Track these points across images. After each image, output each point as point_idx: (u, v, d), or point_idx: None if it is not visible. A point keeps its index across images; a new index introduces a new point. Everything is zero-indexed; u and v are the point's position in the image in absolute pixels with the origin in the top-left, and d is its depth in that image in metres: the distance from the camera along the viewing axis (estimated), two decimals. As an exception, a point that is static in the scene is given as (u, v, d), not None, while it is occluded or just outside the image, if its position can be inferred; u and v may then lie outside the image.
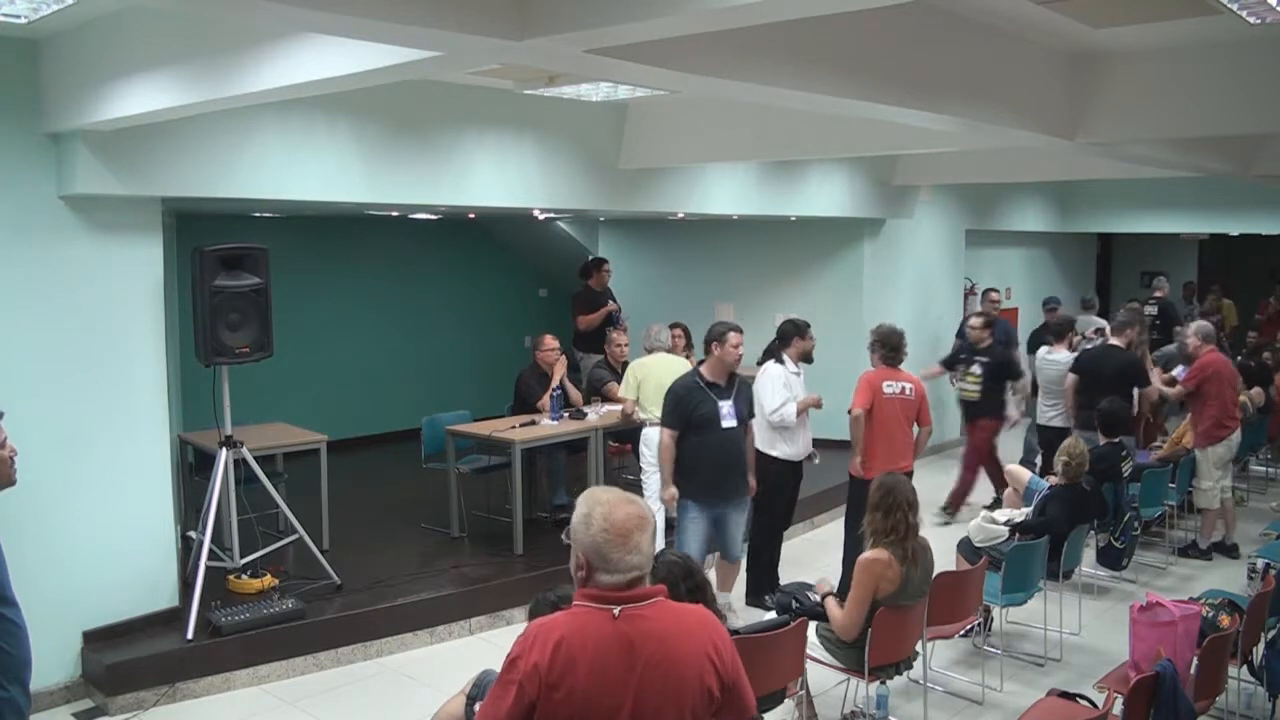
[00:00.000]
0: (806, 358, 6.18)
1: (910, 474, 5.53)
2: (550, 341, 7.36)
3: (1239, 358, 9.66)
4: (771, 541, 6.29)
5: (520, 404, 7.30)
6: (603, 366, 7.70)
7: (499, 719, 2.18)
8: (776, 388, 5.96)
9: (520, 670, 2.17)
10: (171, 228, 6.58)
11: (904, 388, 5.87)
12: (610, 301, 8.98)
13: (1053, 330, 8.50)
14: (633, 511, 2.24)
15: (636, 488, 6.48)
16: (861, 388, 5.86)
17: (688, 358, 7.44)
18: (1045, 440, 8.02)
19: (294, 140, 5.29)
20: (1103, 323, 9.42)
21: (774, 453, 6.04)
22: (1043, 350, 8.25)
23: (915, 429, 6.02)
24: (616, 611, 2.18)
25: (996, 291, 10.05)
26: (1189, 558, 7.25)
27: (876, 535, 4.30)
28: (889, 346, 5.93)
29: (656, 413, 6.40)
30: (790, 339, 6.12)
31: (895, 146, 6.13)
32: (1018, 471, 6.66)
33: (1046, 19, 4.18)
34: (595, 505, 2.24)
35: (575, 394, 7.40)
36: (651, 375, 6.44)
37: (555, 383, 7.18)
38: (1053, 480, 5.95)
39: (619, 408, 6.87)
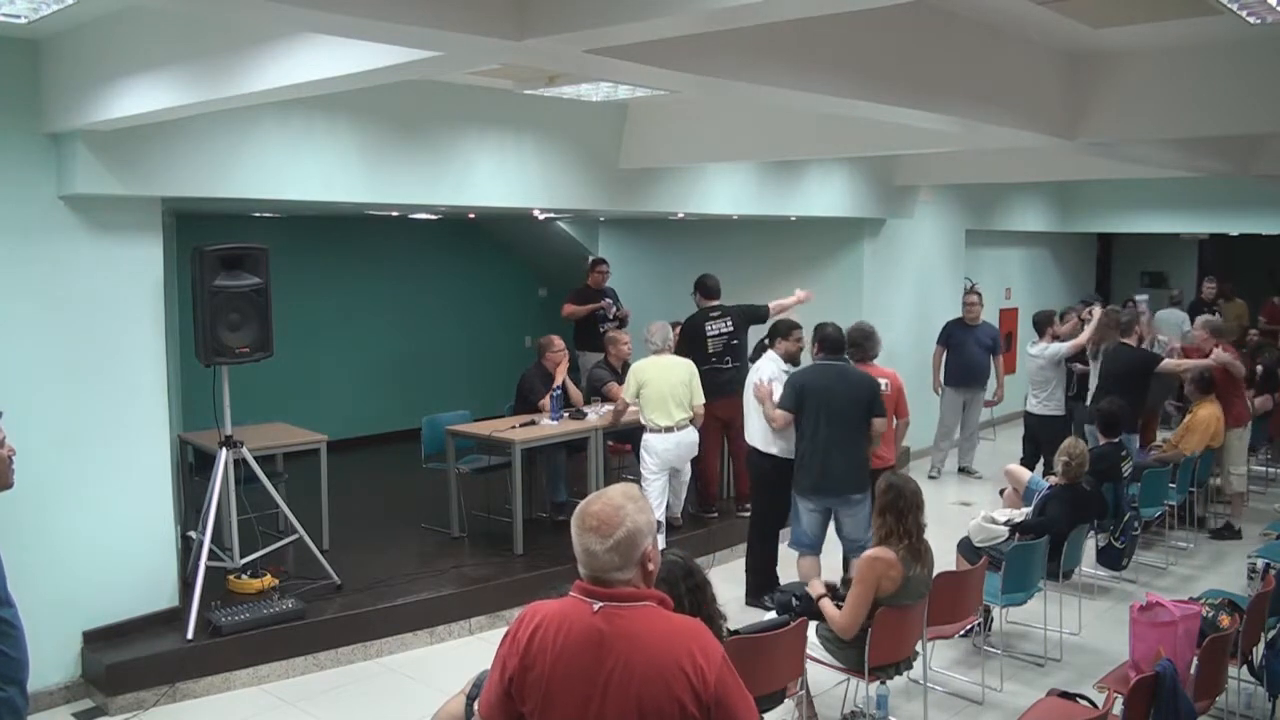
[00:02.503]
0: (793, 359, 6.18)
1: (891, 467, 5.83)
2: (558, 343, 7.38)
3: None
4: (770, 541, 6.29)
5: (522, 403, 7.30)
6: (603, 366, 7.69)
7: (488, 690, 2.33)
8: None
9: (505, 645, 2.30)
10: (171, 228, 6.58)
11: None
12: (605, 299, 8.97)
13: (1034, 323, 8.70)
14: (598, 512, 2.20)
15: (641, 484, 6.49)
16: None
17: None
18: (1028, 426, 8.61)
19: (294, 140, 5.29)
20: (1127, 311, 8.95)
21: (771, 450, 6.03)
22: (1028, 345, 8.52)
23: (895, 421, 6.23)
24: (596, 607, 2.19)
25: (975, 295, 9.56)
26: (1223, 539, 7.64)
27: (890, 537, 4.29)
28: (852, 343, 6.12)
29: (656, 419, 6.38)
30: (774, 339, 6.19)
31: (895, 146, 6.13)
32: (1017, 471, 6.66)
33: (1046, 19, 4.18)
34: (590, 497, 2.29)
35: (576, 393, 7.40)
36: (652, 380, 6.40)
37: (557, 382, 7.18)
38: (1053, 480, 5.96)
39: (619, 407, 6.85)
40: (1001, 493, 6.91)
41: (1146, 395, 7.80)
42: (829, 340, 5.79)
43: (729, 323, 7.29)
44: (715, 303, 7.43)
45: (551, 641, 2.20)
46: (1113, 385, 7.47)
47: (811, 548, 5.71)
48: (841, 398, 5.59)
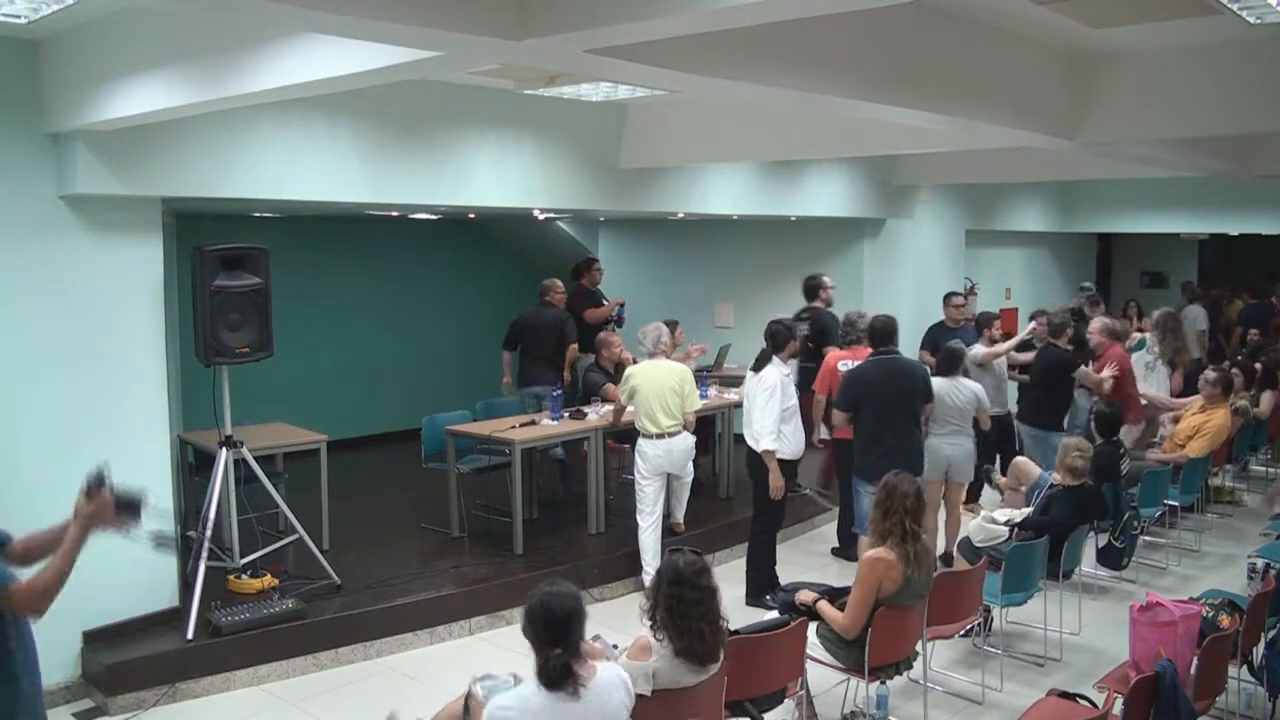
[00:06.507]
0: (794, 355, 6.29)
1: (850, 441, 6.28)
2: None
3: (1239, 357, 9.69)
4: (771, 541, 6.29)
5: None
6: (595, 369, 7.67)
7: None
8: (774, 399, 5.95)
9: None
10: (171, 228, 6.57)
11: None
12: (612, 300, 8.99)
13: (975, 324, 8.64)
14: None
15: (634, 487, 6.48)
16: (823, 372, 6.92)
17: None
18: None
19: (294, 140, 5.29)
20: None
21: (778, 452, 6.01)
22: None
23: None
24: None
25: (960, 295, 9.07)
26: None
27: (876, 534, 4.30)
28: (842, 331, 7.08)
29: (649, 425, 6.33)
30: (785, 342, 6.13)
31: (895, 146, 6.13)
32: (1026, 466, 6.63)
33: (1046, 19, 4.19)
34: None
35: (612, 390, 7.42)
36: (641, 386, 6.30)
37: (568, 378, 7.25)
38: (1056, 479, 5.95)
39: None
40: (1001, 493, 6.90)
41: (1070, 394, 7.67)
42: (879, 333, 6.13)
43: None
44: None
45: None
46: (1036, 383, 7.60)
47: None
48: (895, 387, 5.98)
